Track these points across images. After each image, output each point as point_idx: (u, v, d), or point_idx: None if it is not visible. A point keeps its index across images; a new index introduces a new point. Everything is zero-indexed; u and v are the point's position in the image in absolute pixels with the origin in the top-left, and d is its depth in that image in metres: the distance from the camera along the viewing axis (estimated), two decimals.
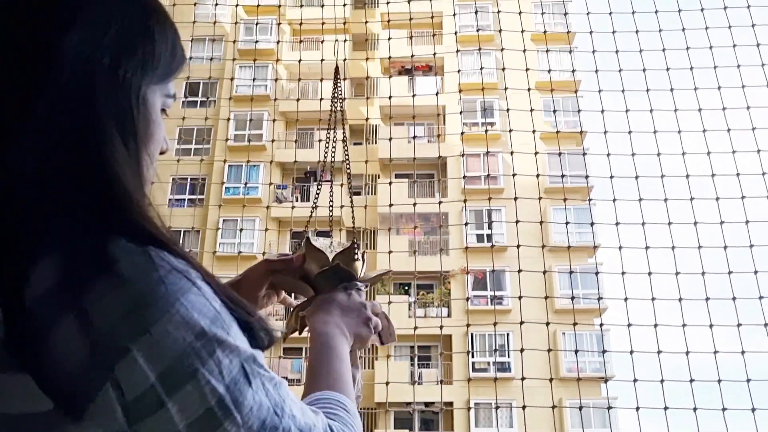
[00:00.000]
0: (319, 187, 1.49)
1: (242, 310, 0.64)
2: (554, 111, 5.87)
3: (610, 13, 4.72)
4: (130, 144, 0.63)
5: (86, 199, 0.59)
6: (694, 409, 3.36)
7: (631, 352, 3.66)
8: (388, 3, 4.76)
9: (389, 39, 5.82)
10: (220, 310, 0.60)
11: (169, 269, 0.58)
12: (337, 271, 1.04)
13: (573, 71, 5.79)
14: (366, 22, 19.58)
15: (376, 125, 21.32)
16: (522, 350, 3.96)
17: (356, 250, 1.10)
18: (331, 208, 1.48)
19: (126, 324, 0.55)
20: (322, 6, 4.80)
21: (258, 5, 4.69)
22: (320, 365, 0.89)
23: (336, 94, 1.45)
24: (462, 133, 14.05)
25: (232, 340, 0.60)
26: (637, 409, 3.52)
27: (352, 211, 1.38)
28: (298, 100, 15.80)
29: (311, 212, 1.43)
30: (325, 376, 0.86)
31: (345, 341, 0.94)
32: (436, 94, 5.35)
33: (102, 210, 0.59)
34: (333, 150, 1.55)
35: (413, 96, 5.36)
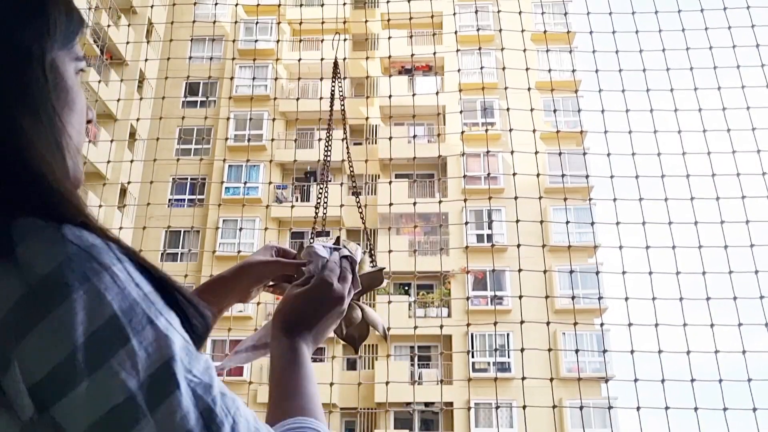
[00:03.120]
0: (324, 188, 1.48)
1: (177, 293, 0.58)
2: (554, 111, 5.87)
3: (610, 14, 4.72)
4: (42, 114, 0.60)
5: None
6: (695, 409, 3.36)
7: (632, 351, 3.66)
8: (388, 2, 4.76)
9: (389, 38, 5.82)
10: (145, 294, 0.54)
11: (86, 246, 0.53)
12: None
13: (573, 71, 5.79)
14: (366, 21, 19.58)
15: (376, 125, 21.32)
16: (522, 350, 3.95)
17: (372, 257, 1.10)
18: (324, 208, 1.48)
19: (14, 317, 0.50)
20: (322, 5, 4.80)
21: (258, 5, 4.68)
22: (288, 382, 0.81)
23: (334, 91, 1.44)
24: (462, 133, 14.02)
25: (156, 329, 0.53)
26: (638, 409, 3.51)
27: (361, 213, 1.37)
28: (297, 99, 15.80)
29: (316, 213, 1.43)
30: (294, 397, 0.79)
31: (311, 348, 0.88)
32: (436, 93, 5.36)
33: (8, 187, 0.55)
34: (330, 148, 1.54)
35: (413, 96, 5.35)
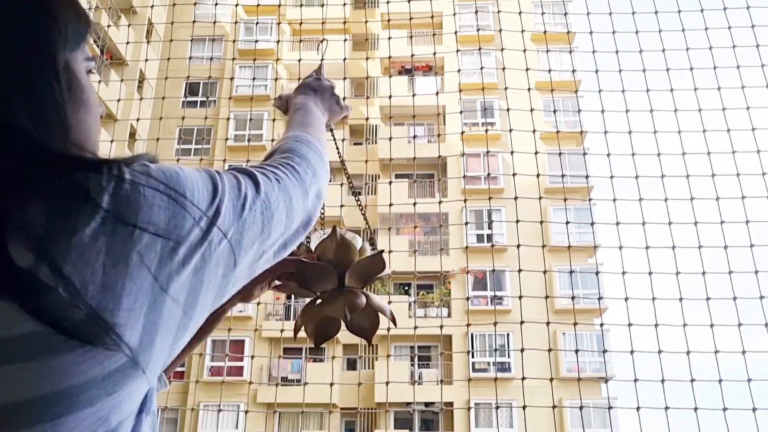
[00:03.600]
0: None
1: None
2: (554, 111, 5.87)
3: (610, 14, 4.72)
4: (52, 115, 0.63)
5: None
6: (695, 409, 3.36)
7: (632, 351, 3.66)
8: (388, 3, 4.76)
9: (389, 39, 5.81)
10: None
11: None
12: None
13: (573, 71, 5.79)
14: (366, 21, 19.58)
15: (376, 125, 21.32)
16: (522, 350, 3.95)
17: (373, 245, 1.16)
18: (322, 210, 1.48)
19: None
20: (322, 6, 4.80)
21: (258, 5, 4.69)
22: (296, 120, 1.08)
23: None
24: (462, 133, 14.03)
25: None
26: (638, 409, 3.51)
27: (363, 213, 1.39)
28: None
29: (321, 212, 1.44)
30: (299, 125, 1.05)
31: (320, 113, 1.14)
32: (436, 93, 5.37)
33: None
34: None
35: (413, 96, 5.35)
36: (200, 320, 0.67)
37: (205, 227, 0.65)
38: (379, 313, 1.13)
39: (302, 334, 1.15)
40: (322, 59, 1.37)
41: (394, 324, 1.19)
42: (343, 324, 1.11)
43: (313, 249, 1.13)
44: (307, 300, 1.14)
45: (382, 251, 1.13)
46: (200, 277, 0.65)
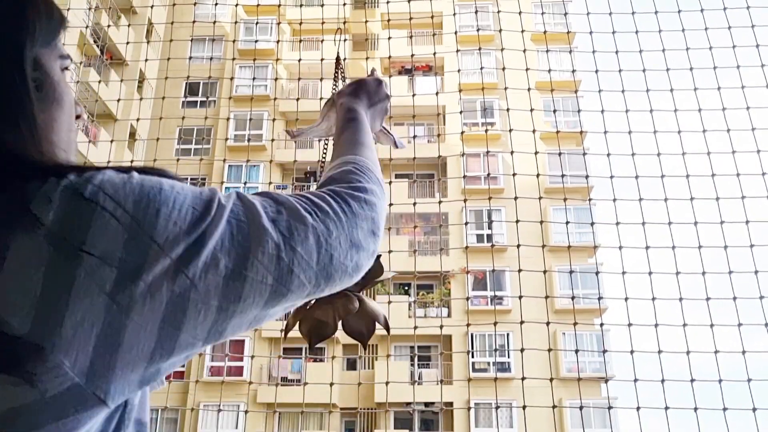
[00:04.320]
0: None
1: None
2: (554, 111, 5.86)
3: (610, 14, 4.72)
4: (18, 115, 0.61)
5: None
6: (695, 409, 3.36)
7: (632, 351, 3.66)
8: (388, 3, 4.76)
9: (389, 39, 5.81)
10: None
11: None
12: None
13: (573, 71, 5.79)
14: (366, 21, 19.58)
15: None
16: (522, 350, 3.95)
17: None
18: None
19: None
20: (322, 6, 4.80)
21: (258, 5, 4.68)
22: (347, 136, 0.95)
23: (336, 87, 1.44)
24: (462, 133, 14.02)
25: None
26: (638, 409, 3.51)
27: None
28: (297, 99, 15.80)
29: None
30: (350, 145, 0.92)
31: (368, 123, 1.03)
32: (436, 93, 5.37)
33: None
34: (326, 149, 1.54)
35: (413, 96, 5.35)
36: (192, 349, 0.61)
37: (182, 252, 0.58)
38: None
39: (298, 334, 1.15)
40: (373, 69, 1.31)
41: (387, 331, 1.18)
42: (340, 325, 1.10)
43: None
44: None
45: (380, 256, 1.11)
46: (181, 304, 0.58)
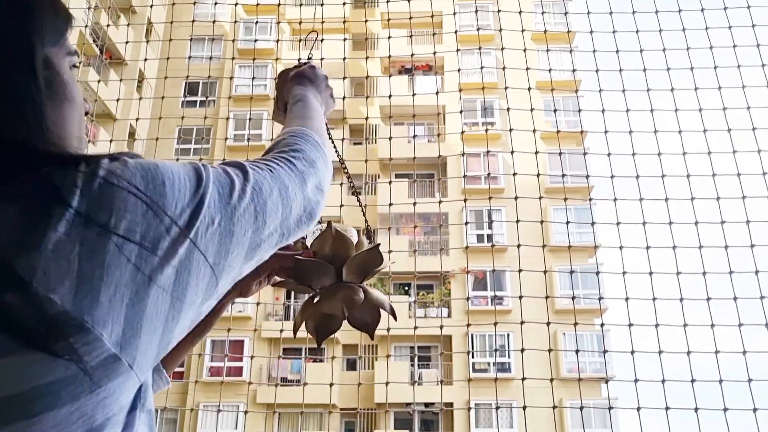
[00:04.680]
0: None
1: None
2: (555, 110, 5.85)
3: (611, 13, 4.71)
4: (28, 111, 0.63)
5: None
6: (696, 410, 3.35)
7: (632, 352, 3.65)
8: (388, 2, 4.75)
9: (389, 38, 5.79)
10: None
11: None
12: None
13: (573, 71, 5.78)
14: (366, 21, 19.57)
15: (375, 125, 21.32)
16: (522, 350, 3.94)
17: (370, 239, 1.16)
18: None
19: None
20: (322, 5, 4.79)
21: (257, 4, 4.67)
22: (295, 113, 1.07)
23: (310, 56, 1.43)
24: (462, 133, 14.03)
25: None
26: (638, 409, 3.50)
27: (363, 213, 1.38)
28: None
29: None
30: (298, 118, 1.04)
31: (318, 105, 1.13)
32: (436, 93, 5.36)
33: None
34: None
35: (413, 95, 5.33)
36: (193, 311, 0.66)
37: (187, 219, 0.64)
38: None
39: (302, 333, 1.14)
40: (311, 55, 1.36)
41: (395, 318, 1.18)
42: (345, 320, 1.10)
43: (309, 245, 1.12)
44: (306, 297, 1.13)
45: (379, 244, 1.11)
46: (187, 266, 0.63)
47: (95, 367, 0.56)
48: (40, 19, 0.66)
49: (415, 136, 14.37)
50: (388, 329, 2.17)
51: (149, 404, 0.66)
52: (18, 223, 0.57)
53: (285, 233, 0.80)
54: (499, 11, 5.58)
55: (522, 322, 3.90)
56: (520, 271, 4.13)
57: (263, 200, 0.74)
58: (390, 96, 5.52)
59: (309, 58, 1.25)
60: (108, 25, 17.90)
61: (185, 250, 0.63)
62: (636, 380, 3.56)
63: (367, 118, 20.04)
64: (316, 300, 1.10)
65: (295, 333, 1.19)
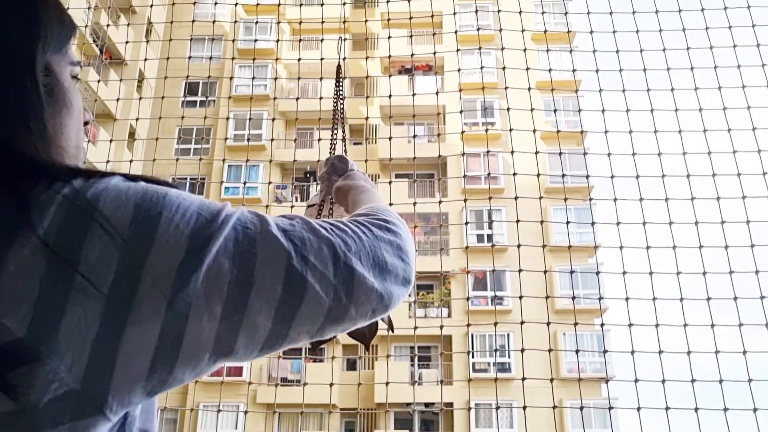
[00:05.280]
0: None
1: None
2: (555, 110, 5.84)
3: (611, 13, 4.70)
4: (30, 117, 0.62)
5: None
6: (696, 410, 3.35)
7: (632, 352, 3.65)
8: (388, 2, 4.74)
9: (389, 38, 5.79)
10: None
11: None
12: None
13: (573, 71, 5.77)
14: (366, 21, 19.57)
15: (375, 125, 21.31)
16: (522, 350, 3.94)
17: None
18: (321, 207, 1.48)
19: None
20: (322, 5, 4.79)
21: (257, 4, 4.67)
22: (363, 200, 1.04)
23: (338, 94, 1.45)
24: (462, 133, 14.03)
25: None
26: (638, 409, 3.50)
27: None
28: (297, 99, 15.79)
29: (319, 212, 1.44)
30: (367, 201, 1.01)
31: (359, 181, 1.13)
32: (436, 93, 5.35)
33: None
34: (333, 150, 1.55)
35: (413, 95, 5.33)
36: (197, 361, 0.60)
37: (182, 257, 0.57)
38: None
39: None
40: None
41: (392, 330, 1.19)
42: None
43: None
44: None
45: None
46: (183, 311, 0.57)
47: (53, 401, 0.52)
48: (44, 25, 0.66)
49: (415, 136, 14.37)
50: (388, 329, 2.17)
51: (142, 426, 0.63)
52: None
53: (342, 300, 0.68)
54: (499, 11, 5.58)
55: (522, 322, 3.90)
56: (520, 271, 4.13)
57: (303, 255, 0.65)
58: (390, 96, 5.51)
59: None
60: (108, 25, 17.90)
61: (177, 293, 0.57)
62: (636, 380, 3.56)
63: (367, 118, 20.04)
64: None
65: None
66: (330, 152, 1.54)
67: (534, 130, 4.63)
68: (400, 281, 0.73)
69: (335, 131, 1.57)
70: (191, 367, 0.60)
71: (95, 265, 0.54)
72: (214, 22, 6.18)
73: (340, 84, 1.50)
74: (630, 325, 3.79)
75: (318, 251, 0.64)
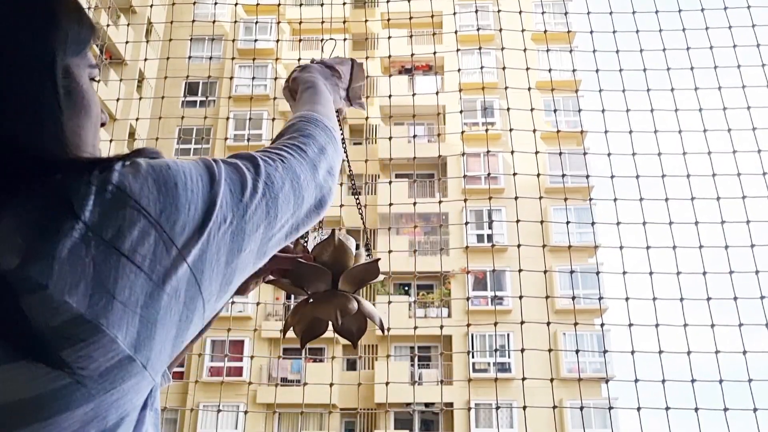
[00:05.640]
0: None
1: None
2: (555, 110, 5.84)
3: (611, 13, 4.71)
4: (47, 120, 0.64)
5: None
6: (696, 410, 3.35)
7: (632, 352, 3.65)
8: (388, 2, 4.75)
9: (389, 38, 5.79)
10: None
11: None
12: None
13: (573, 71, 5.77)
14: (366, 21, 19.58)
15: (376, 125, 21.31)
16: (522, 350, 3.94)
17: (368, 251, 1.18)
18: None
19: None
20: (322, 5, 4.79)
21: (257, 4, 4.67)
22: (304, 98, 1.05)
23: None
24: (462, 133, 14.02)
25: None
26: (639, 409, 3.50)
27: (361, 213, 1.39)
28: None
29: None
30: (307, 104, 1.02)
31: (328, 93, 1.11)
32: (436, 93, 5.35)
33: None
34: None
35: (413, 95, 5.33)
36: (208, 312, 0.67)
37: (200, 221, 0.64)
38: (368, 319, 1.14)
39: (291, 333, 1.15)
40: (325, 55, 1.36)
41: (382, 331, 1.20)
42: (330, 325, 1.12)
43: (310, 249, 1.13)
44: (299, 298, 1.15)
45: (379, 259, 1.14)
46: (200, 267, 0.64)
47: (109, 368, 0.57)
48: (64, 28, 0.67)
49: (415, 136, 14.37)
50: (389, 329, 2.17)
51: (157, 403, 0.67)
52: (31, 231, 0.57)
53: (296, 224, 0.80)
54: (499, 11, 5.58)
55: (522, 322, 3.90)
56: (520, 271, 4.13)
57: (275, 194, 0.74)
58: (390, 96, 5.52)
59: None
60: (108, 25, 17.89)
61: (198, 251, 0.64)
62: (636, 380, 3.56)
63: (367, 118, 20.03)
64: (309, 303, 1.11)
65: (284, 333, 1.20)
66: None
67: (534, 130, 4.63)
68: (329, 191, 0.86)
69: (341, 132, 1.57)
70: (201, 319, 0.67)
71: (136, 245, 0.60)
72: (214, 22, 6.18)
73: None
74: (630, 325, 3.79)
75: (281, 188, 0.76)
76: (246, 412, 16.45)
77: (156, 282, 0.60)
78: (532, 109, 4.75)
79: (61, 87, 0.65)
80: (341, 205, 3.70)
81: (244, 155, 0.77)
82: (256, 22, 19.28)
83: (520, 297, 4.17)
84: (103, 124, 0.75)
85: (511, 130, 4.74)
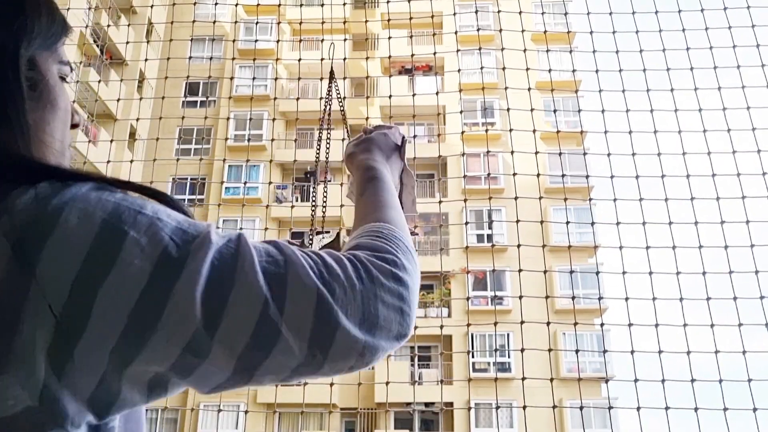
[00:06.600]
0: (322, 189, 1.49)
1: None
2: (555, 111, 5.85)
3: (611, 13, 4.71)
4: (10, 111, 0.61)
5: None
6: (696, 409, 3.35)
7: (632, 352, 3.65)
8: (388, 2, 4.75)
9: (389, 38, 5.79)
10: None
11: None
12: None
13: (573, 71, 5.77)
14: (366, 21, 19.58)
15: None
16: (522, 350, 3.94)
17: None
18: (319, 207, 1.48)
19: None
20: (322, 5, 4.79)
21: (258, 5, 4.67)
22: (370, 196, 0.85)
23: (330, 95, 1.46)
24: (462, 133, 14.04)
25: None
26: (638, 409, 3.51)
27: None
28: (297, 99, 15.80)
29: (313, 213, 1.44)
30: (374, 207, 0.82)
31: (388, 173, 0.92)
32: (437, 93, 5.36)
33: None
34: (327, 149, 1.56)
35: (413, 96, 5.34)
36: (149, 380, 0.57)
37: (143, 287, 0.54)
38: None
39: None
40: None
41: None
42: None
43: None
44: None
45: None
46: (135, 341, 0.54)
47: (9, 418, 0.51)
48: (30, 19, 0.65)
49: (415, 136, 14.38)
50: None
51: (119, 424, 0.60)
52: None
53: (316, 357, 0.60)
54: (499, 11, 5.58)
55: (522, 322, 3.90)
56: (520, 271, 4.13)
57: (278, 304, 0.59)
58: (390, 96, 5.52)
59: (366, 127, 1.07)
60: (108, 26, 17.90)
61: (134, 320, 0.54)
62: (636, 380, 3.56)
63: (367, 118, 19.99)
64: None
65: None
66: (326, 153, 1.55)
67: (534, 131, 4.64)
68: (392, 336, 0.64)
69: (329, 132, 1.58)
70: (139, 395, 0.57)
71: (51, 278, 0.52)
72: (214, 22, 6.19)
73: (335, 86, 1.51)
74: (630, 325, 3.79)
75: (299, 299, 0.57)
76: (246, 412, 16.45)
77: (67, 330, 0.53)
78: (532, 110, 4.75)
79: (25, 78, 0.63)
80: (341, 206, 3.70)
81: (289, 252, 0.61)
82: (257, 23, 19.28)
83: (520, 297, 4.17)
84: (75, 126, 0.70)
85: (511, 130, 4.75)
